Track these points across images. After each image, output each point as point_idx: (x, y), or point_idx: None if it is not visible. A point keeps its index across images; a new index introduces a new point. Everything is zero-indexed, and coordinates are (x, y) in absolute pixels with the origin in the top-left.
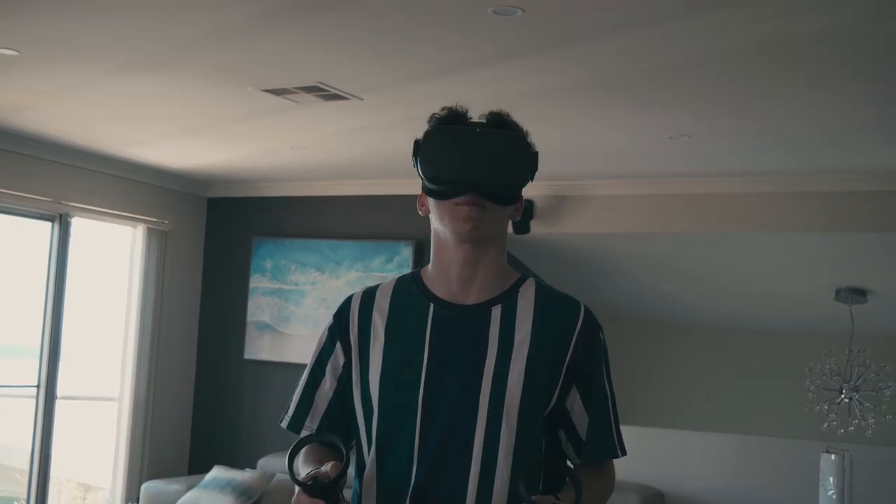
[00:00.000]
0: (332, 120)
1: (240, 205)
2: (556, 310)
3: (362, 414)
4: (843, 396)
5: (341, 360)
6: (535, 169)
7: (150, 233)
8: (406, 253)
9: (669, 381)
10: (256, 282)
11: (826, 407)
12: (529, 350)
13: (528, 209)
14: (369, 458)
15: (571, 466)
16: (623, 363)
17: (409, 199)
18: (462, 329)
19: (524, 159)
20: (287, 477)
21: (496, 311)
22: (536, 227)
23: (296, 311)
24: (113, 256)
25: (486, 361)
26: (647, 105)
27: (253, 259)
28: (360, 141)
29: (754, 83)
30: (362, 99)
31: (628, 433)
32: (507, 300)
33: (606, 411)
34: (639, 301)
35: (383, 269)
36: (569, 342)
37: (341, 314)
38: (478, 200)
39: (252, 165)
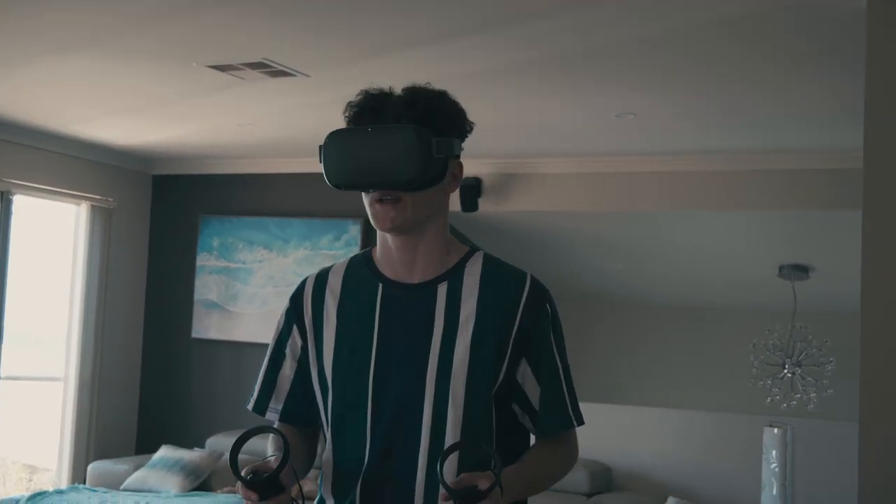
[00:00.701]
0: (279, 97)
1: (186, 182)
2: (501, 283)
3: (320, 395)
4: (785, 371)
5: (298, 342)
6: (448, 149)
7: (95, 211)
8: (354, 231)
9: (617, 358)
10: (203, 260)
11: (769, 382)
12: (475, 326)
13: (476, 187)
14: (327, 440)
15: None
16: (571, 340)
17: None
18: (409, 308)
19: (418, 149)
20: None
21: (442, 289)
22: (484, 205)
23: (244, 289)
24: (56, 235)
25: (433, 340)
26: (592, 83)
27: (200, 237)
28: (307, 118)
29: (698, 63)
30: (308, 76)
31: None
32: (453, 277)
33: (558, 382)
34: (587, 279)
35: (332, 247)
36: (515, 315)
37: (296, 298)
38: (389, 195)
39: (198, 142)
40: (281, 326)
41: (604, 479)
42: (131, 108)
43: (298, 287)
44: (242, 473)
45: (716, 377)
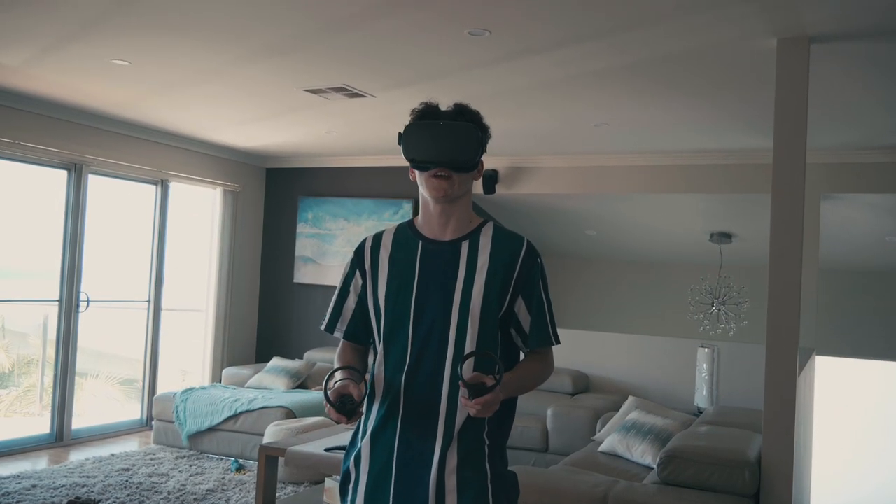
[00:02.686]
0: (354, 112)
1: (289, 173)
2: (506, 243)
3: (374, 318)
4: (713, 308)
5: (360, 282)
6: (484, 146)
7: (226, 194)
8: (407, 207)
9: (594, 299)
10: (301, 228)
11: (702, 316)
12: (487, 271)
13: (494, 176)
14: (378, 352)
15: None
16: (562, 286)
17: (406, 169)
18: (441, 257)
19: (474, 142)
20: (324, 364)
21: (464, 245)
22: (500, 190)
23: (329, 248)
24: (199, 211)
25: (458, 280)
26: (578, 102)
27: (299, 212)
28: (374, 127)
29: (655, 86)
30: (375, 96)
31: (565, 335)
32: (473, 237)
33: (543, 313)
34: (573, 242)
35: (391, 219)
36: (515, 265)
37: (360, 251)
38: (444, 173)
39: (298, 144)
40: (347, 271)
41: (583, 383)
42: (251, 121)
43: (361, 243)
44: (332, 400)
45: (664, 312)
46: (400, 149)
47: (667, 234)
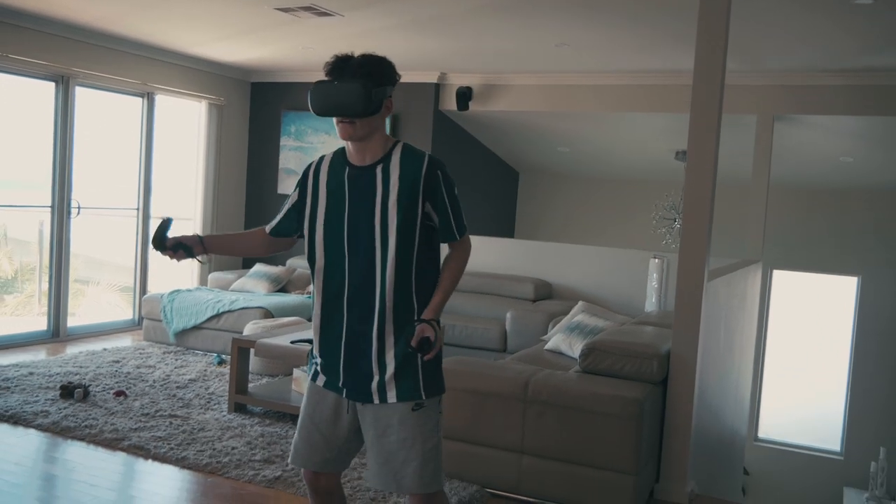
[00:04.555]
0: (325, 29)
1: (273, 87)
2: (411, 160)
3: (308, 228)
4: (676, 223)
5: (296, 196)
6: (375, 97)
7: (211, 107)
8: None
9: (565, 213)
10: (284, 141)
11: (664, 230)
12: (399, 187)
13: (468, 93)
14: (319, 255)
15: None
16: (533, 203)
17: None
18: (362, 180)
19: (361, 98)
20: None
21: (379, 169)
22: (473, 106)
23: (311, 160)
24: (184, 123)
25: (376, 197)
26: (535, 25)
27: (282, 125)
28: (347, 44)
29: (600, 12)
30: (343, 16)
31: (531, 246)
32: (385, 161)
33: (447, 213)
34: (547, 158)
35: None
36: (420, 178)
37: (305, 172)
38: (345, 120)
39: (279, 59)
40: (296, 187)
41: (545, 290)
42: (233, 36)
43: (307, 165)
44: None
45: (629, 226)
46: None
47: (635, 152)
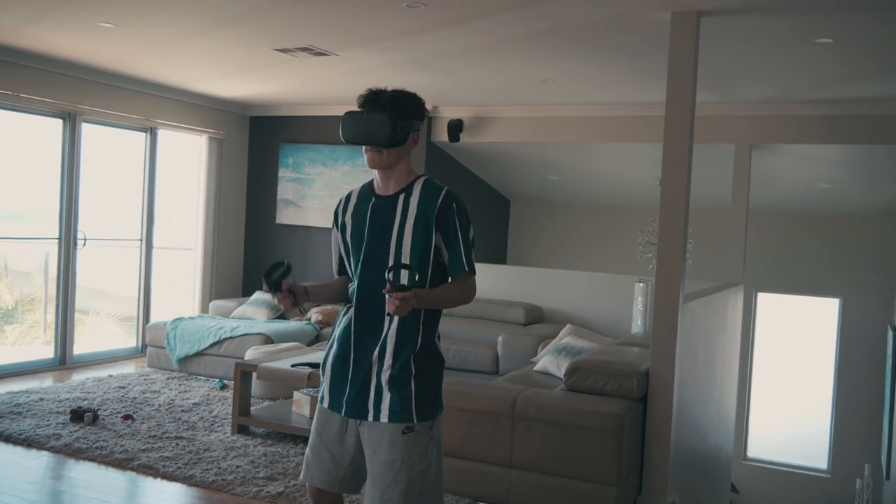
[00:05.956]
0: (322, 68)
1: (270, 121)
2: (430, 193)
3: (346, 257)
4: None
5: (338, 235)
6: (401, 129)
7: (211, 140)
8: None
9: (553, 240)
10: (283, 173)
11: (650, 255)
12: (416, 216)
13: (459, 125)
14: (353, 277)
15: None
16: (524, 229)
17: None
18: (384, 209)
19: (387, 129)
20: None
21: (401, 197)
22: (465, 138)
23: (308, 191)
24: (186, 156)
25: (394, 222)
26: (519, 61)
27: (280, 157)
28: (340, 81)
29: (577, 51)
30: (338, 55)
31: (523, 272)
32: (408, 190)
33: (458, 247)
34: (537, 186)
35: (364, 164)
36: (435, 210)
37: (336, 211)
38: (373, 149)
39: (277, 95)
40: (333, 227)
41: (536, 314)
42: (233, 74)
43: (338, 203)
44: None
45: (615, 251)
46: None
47: (620, 180)
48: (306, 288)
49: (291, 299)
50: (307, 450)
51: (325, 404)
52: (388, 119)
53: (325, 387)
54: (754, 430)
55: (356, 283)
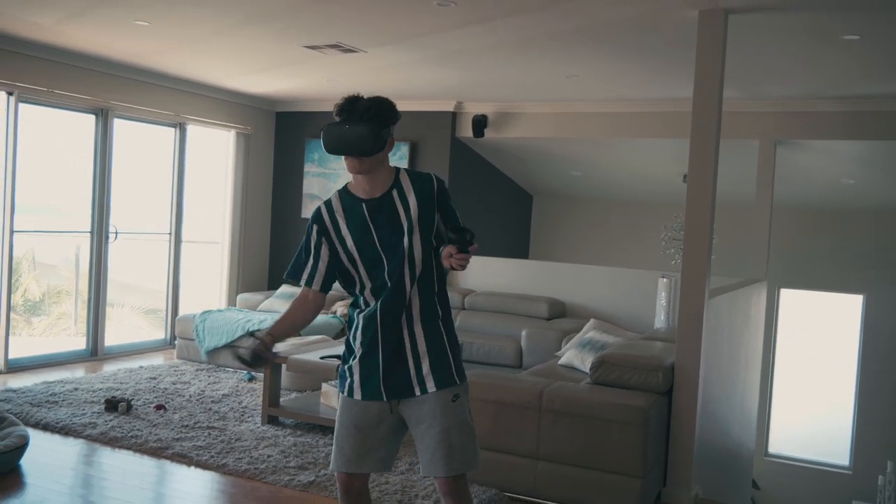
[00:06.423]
0: (350, 64)
1: (297, 116)
2: (422, 182)
3: (350, 266)
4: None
5: (327, 245)
6: (381, 136)
7: (239, 135)
8: (404, 150)
9: (577, 235)
10: (308, 168)
11: (673, 250)
12: (418, 204)
13: (483, 121)
14: (364, 281)
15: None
16: (547, 225)
17: (404, 114)
18: (382, 209)
19: (368, 140)
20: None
21: (394, 194)
22: (489, 134)
23: (334, 186)
24: (214, 151)
25: (401, 219)
26: (545, 58)
27: (305, 152)
28: (368, 77)
29: (602, 48)
30: (367, 52)
31: (545, 267)
32: (396, 186)
33: (454, 215)
34: (560, 182)
35: (391, 160)
36: (433, 197)
37: (319, 220)
38: (353, 158)
39: (304, 90)
40: (315, 239)
41: (559, 309)
42: (258, 71)
43: (317, 213)
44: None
45: (639, 246)
46: (404, 91)
47: (644, 176)
48: (273, 336)
49: (266, 360)
50: (335, 441)
51: (358, 396)
52: (369, 130)
53: (354, 383)
54: (776, 425)
55: (373, 284)
